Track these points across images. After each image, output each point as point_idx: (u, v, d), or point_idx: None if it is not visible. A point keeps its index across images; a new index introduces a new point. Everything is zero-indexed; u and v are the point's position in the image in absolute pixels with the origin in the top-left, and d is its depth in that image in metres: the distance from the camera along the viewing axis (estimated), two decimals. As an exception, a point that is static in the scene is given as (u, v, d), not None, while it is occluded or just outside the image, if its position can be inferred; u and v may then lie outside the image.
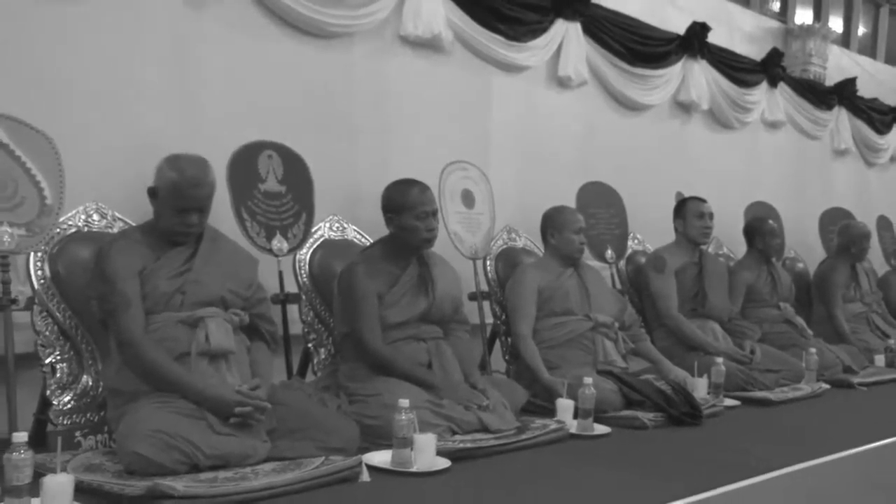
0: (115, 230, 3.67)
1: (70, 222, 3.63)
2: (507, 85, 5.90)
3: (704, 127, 7.51)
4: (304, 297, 4.21)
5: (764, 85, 7.97)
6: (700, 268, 5.51)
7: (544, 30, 6.01)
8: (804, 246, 7.62)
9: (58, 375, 3.39)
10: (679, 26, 7.14)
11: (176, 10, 4.34)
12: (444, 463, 3.18)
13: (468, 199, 5.07)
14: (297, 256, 4.31)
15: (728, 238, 6.70)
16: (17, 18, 3.84)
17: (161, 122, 4.15)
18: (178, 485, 2.66)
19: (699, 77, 7.23)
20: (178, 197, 3.28)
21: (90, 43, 4.06)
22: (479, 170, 5.22)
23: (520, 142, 5.94)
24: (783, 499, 3.23)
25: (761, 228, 6.12)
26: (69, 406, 3.37)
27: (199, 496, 2.64)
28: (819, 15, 9.86)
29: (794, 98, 8.36)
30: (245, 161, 4.28)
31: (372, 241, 4.27)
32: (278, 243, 4.26)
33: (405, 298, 3.89)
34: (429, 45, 5.38)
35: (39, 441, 3.17)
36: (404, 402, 3.20)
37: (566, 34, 6.15)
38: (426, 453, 3.15)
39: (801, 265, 7.27)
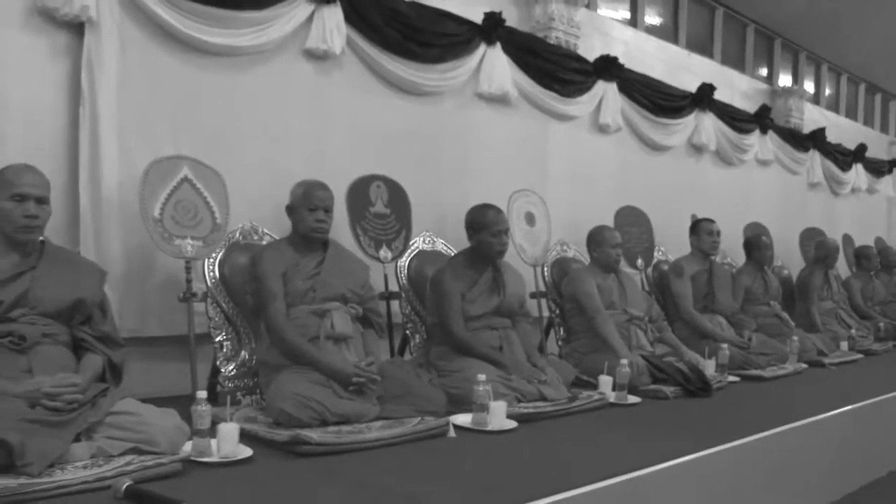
0: (265, 242, 3.72)
1: (232, 236, 3.70)
2: (559, 130, 5.85)
3: (712, 164, 7.43)
4: (403, 294, 4.21)
5: (757, 132, 7.89)
6: (710, 274, 5.40)
7: (588, 88, 5.97)
8: (788, 257, 7.48)
9: (224, 350, 3.46)
10: (691, 86, 7.07)
11: (310, 77, 4.40)
12: (513, 424, 3.17)
13: (530, 219, 5.05)
14: (398, 263, 4.31)
15: (730, 250, 6.58)
16: (198, 86, 3.93)
17: (299, 161, 4.19)
18: (314, 435, 2.70)
19: (707, 125, 7.16)
20: (309, 198, 3.34)
21: (250, 103, 4.13)
22: (539, 196, 5.20)
23: (570, 174, 5.89)
24: (774, 451, 3.20)
25: (757, 243, 6.05)
26: (232, 373, 3.43)
27: (328, 444, 2.69)
28: (796, 79, 9.88)
29: (779, 142, 8.29)
30: (359, 190, 4.32)
31: (456, 251, 4.26)
32: (384, 253, 4.28)
33: (482, 296, 3.86)
34: (499, 100, 5.36)
35: (212, 398, 3.22)
36: (481, 377, 3.20)
37: (605, 92, 6.10)
38: (498, 416, 3.14)
39: (786, 272, 7.14)
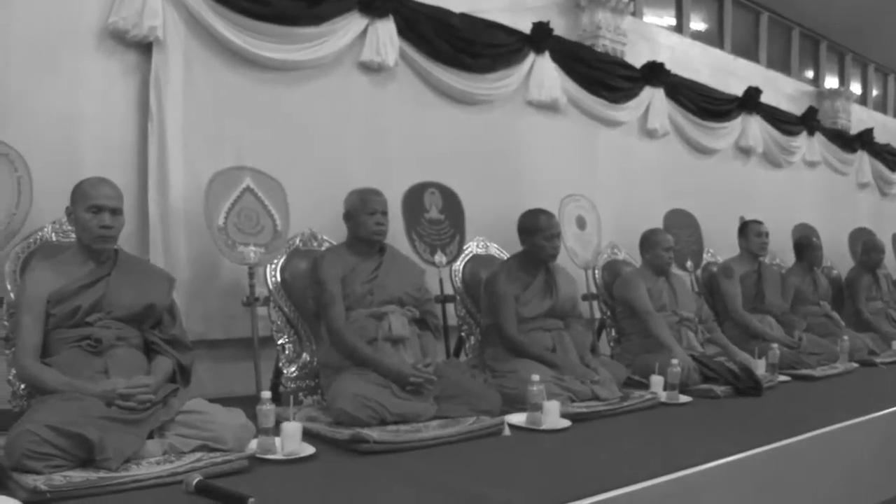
0: (324, 248, 3.73)
1: (293, 242, 3.72)
2: (608, 136, 5.79)
3: (759, 166, 7.26)
4: (458, 297, 4.19)
5: (804, 134, 7.69)
6: (759, 274, 5.28)
7: (636, 94, 5.90)
8: (837, 257, 7.24)
9: (286, 353, 3.47)
10: (738, 90, 6.95)
11: (365, 88, 4.43)
12: (566, 423, 3.13)
13: (581, 223, 4.99)
14: (453, 267, 4.29)
15: (779, 251, 6.40)
16: (258, 99, 3.98)
17: (355, 170, 4.21)
18: (373, 433, 2.71)
19: (754, 128, 7.01)
20: (367, 203, 3.35)
21: (308, 115, 4.17)
22: (589, 200, 5.14)
23: (619, 178, 5.81)
24: (826, 450, 3.12)
25: (809, 243, 5.89)
26: (294, 374, 3.44)
27: (387, 442, 2.69)
28: (843, 81, 9.57)
29: (826, 144, 8.07)
30: (414, 197, 4.32)
31: (509, 255, 4.23)
32: (439, 257, 4.26)
33: (535, 299, 3.82)
34: (549, 107, 5.33)
35: (275, 398, 3.23)
36: (535, 377, 3.17)
37: (652, 97, 6.03)
38: (552, 415, 3.11)
39: (835, 272, 6.91)
